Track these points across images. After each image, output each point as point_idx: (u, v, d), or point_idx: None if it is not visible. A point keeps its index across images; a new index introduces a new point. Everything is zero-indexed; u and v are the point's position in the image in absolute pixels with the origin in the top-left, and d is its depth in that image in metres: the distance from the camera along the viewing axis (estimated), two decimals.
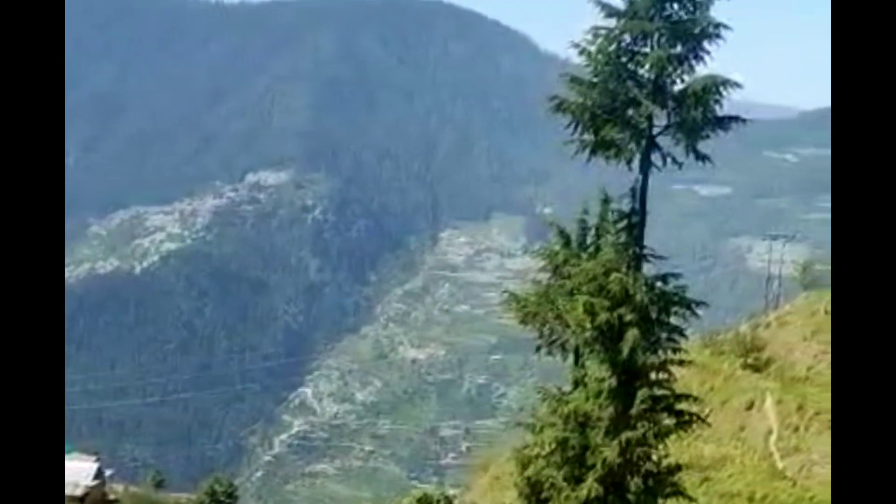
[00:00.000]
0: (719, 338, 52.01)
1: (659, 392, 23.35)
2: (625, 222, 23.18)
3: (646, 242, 23.39)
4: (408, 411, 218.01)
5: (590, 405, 22.87)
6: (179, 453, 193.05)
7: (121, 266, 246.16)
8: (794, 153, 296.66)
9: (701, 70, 22.37)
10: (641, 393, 22.73)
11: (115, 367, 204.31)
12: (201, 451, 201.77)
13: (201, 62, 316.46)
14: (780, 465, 38.36)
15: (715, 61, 22.38)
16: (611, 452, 22.22)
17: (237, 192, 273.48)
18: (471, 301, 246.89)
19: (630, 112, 22.67)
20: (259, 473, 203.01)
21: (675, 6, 22.41)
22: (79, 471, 56.45)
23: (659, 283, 23.01)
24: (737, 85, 22.33)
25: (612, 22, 22.45)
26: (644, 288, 22.38)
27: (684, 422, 23.96)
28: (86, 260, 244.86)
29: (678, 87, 22.53)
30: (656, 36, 22.28)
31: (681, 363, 23.86)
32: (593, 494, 22.38)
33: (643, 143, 22.66)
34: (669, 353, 23.20)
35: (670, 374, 23.48)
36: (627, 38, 22.52)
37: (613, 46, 22.50)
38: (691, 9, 22.34)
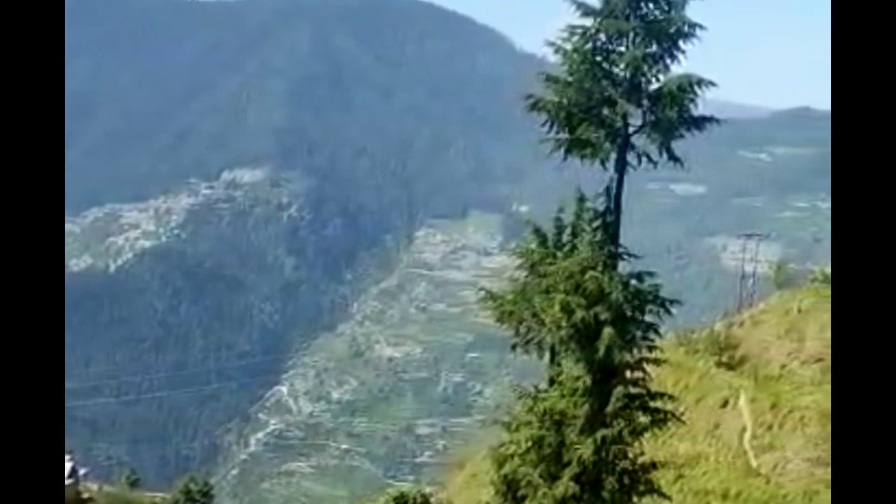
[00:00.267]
0: (694, 336, 52.19)
1: (634, 390, 23.47)
2: (600, 221, 23.27)
3: (621, 241, 23.51)
4: (384, 410, 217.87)
5: (565, 403, 22.95)
6: (154, 452, 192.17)
7: (95, 264, 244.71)
8: (769, 152, 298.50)
9: (676, 69, 22.50)
10: (617, 391, 22.83)
11: (90, 366, 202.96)
12: (176, 449, 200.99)
13: (176, 59, 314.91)
14: (753, 462, 38.59)
15: (688, 60, 22.52)
16: (586, 450, 22.30)
17: (213, 190, 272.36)
18: (447, 299, 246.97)
19: (605, 111, 22.75)
20: (235, 472, 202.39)
21: (651, 5, 22.50)
22: None
23: (634, 282, 23.11)
24: (711, 84, 22.46)
25: (587, 21, 22.52)
26: (619, 286, 22.47)
27: (659, 420, 24.08)
28: None
29: (653, 86, 22.63)
30: (632, 35, 22.37)
31: (656, 361, 23.98)
32: (569, 492, 22.46)
33: (618, 142, 22.75)
34: (644, 351, 23.32)
35: (645, 372, 23.60)
36: (603, 36, 22.59)
37: (589, 45, 22.57)
38: (666, 8, 22.44)
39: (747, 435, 40.14)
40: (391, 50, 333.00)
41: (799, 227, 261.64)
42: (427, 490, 36.88)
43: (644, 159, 22.93)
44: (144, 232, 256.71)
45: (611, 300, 22.28)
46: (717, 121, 23.15)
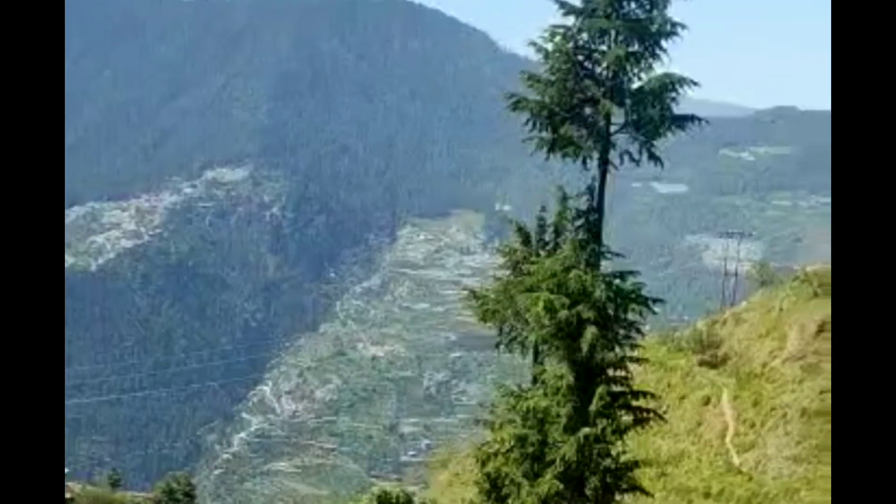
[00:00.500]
0: (676, 335, 52.44)
1: (617, 389, 23.51)
2: (583, 220, 23.31)
3: (604, 240, 23.53)
4: (367, 409, 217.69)
5: (548, 402, 22.98)
6: (136, 452, 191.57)
7: (76, 263, 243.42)
8: (750, 152, 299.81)
9: (658, 68, 22.55)
10: (600, 390, 22.86)
11: (71, 365, 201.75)
12: (159, 449, 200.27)
13: (158, 58, 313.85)
14: (735, 460, 38.77)
15: (669, 60, 22.56)
16: (569, 449, 22.33)
17: (195, 189, 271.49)
18: (430, 298, 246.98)
19: (588, 110, 22.78)
20: (217, 472, 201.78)
21: (633, 4, 22.53)
22: None
23: (617, 281, 23.16)
24: (693, 83, 22.51)
25: (570, 20, 22.55)
26: (602, 285, 22.51)
27: (642, 418, 24.14)
28: None
29: (635, 85, 22.66)
30: (614, 34, 22.40)
31: (638, 360, 24.05)
32: (552, 490, 22.49)
33: (601, 141, 22.78)
34: (627, 349, 23.36)
35: (628, 370, 23.66)
36: (585, 36, 22.61)
37: (571, 45, 22.59)
38: (648, 7, 22.47)
39: (729, 433, 40.34)
40: (374, 49, 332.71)
41: (780, 225, 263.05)
42: (410, 489, 36.87)
43: (626, 158, 22.98)
44: (126, 231, 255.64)
45: (594, 299, 22.32)
46: (699, 119, 23.21)
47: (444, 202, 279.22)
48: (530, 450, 23.14)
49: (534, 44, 22.73)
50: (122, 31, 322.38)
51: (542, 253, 26.45)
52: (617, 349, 23.12)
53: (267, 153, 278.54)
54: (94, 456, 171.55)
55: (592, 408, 22.71)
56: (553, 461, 22.60)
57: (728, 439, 40.11)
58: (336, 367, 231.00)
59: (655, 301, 23.59)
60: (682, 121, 22.89)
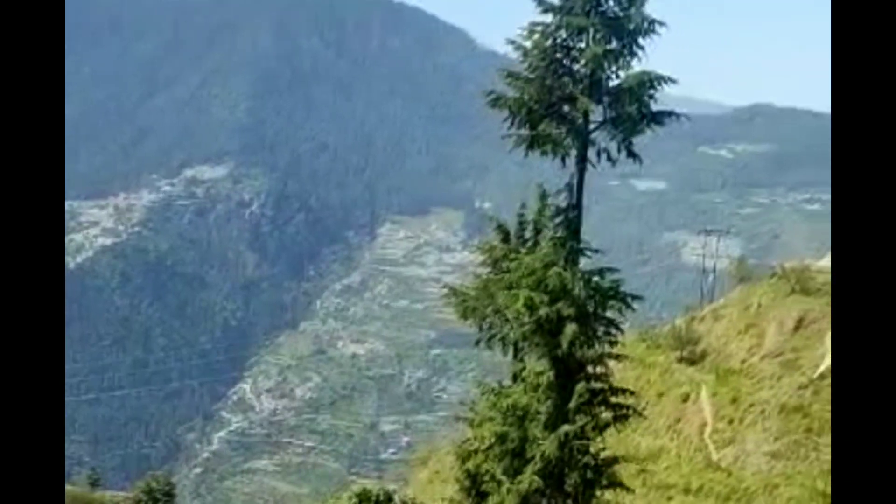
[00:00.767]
0: (655, 331, 52.62)
1: (596, 386, 23.60)
2: (562, 217, 23.38)
3: (583, 237, 23.61)
4: (347, 407, 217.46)
5: (529, 399, 23.04)
6: (116, 451, 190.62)
7: None
8: (729, 149, 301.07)
9: (636, 66, 22.63)
10: (579, 387, 22.94)
11: None
12: (138, 448, 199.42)
13: (136, 55, 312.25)
14: (714, 456, 38.96)
15: (647, 57, 22.66)
16: (549, 446, 22.40)
17: (173, 187, 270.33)
18: (410, 296, 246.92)
19: (566, 107, 22.85)
20: (197, 470, 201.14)
21: (611, 2, 22.61)
22: None
23: (596, 278, 23.25)
24: (671, 80, 22.60)
25: (548, 18, 22.60)
26: (581, 282, 22.59)
27: (621, 415, 24.24)
28: None
29: (613, 82, 22.75)
30: (592, 32, 22.46)
31: (618, 357, 24.15)
32: (532, 487, 22.56)
33: (579, 138, 22.85)
34: (606, 346, 23.46)
35: (607, 367, 23.75)
36: (563, 33, 22.67)
37: (549, 42, 22.65)
38: (626, 5, 22.55)
39: (708, 429, 40.53)
40: (353, 46, 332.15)
41: (759, 222, 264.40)
42: (391, 487, 36.83)
43: (604, 156, 23.06)
44: (104, 229, 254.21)
45: (573, 296, 22.40)
46: (677, 115, 23.31)
47: (424, 200, 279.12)
48: (510, 447, 23.20)
49: (512, 41, 22.79)
50: (100, 28, 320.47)
51: (522, 250, 26.49)
52: (596, 346, 23.21)
53: (246, 151, 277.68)
54: (72, 455, 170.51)
55: (572, 404, 22.80)
56: (533, 458, 22.68)
57: (707, 435, 40.30)
58: (316, 365, 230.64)
59: (634, 298, 23.70)
60: (661, 118, 22.99)
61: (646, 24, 22.32)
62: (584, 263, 23.61)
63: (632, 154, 22.97)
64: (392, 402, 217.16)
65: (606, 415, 23.81)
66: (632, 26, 22.35)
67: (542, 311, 22.25)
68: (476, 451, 24.33)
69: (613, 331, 23.52)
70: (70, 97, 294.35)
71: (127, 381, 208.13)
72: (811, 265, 51.67)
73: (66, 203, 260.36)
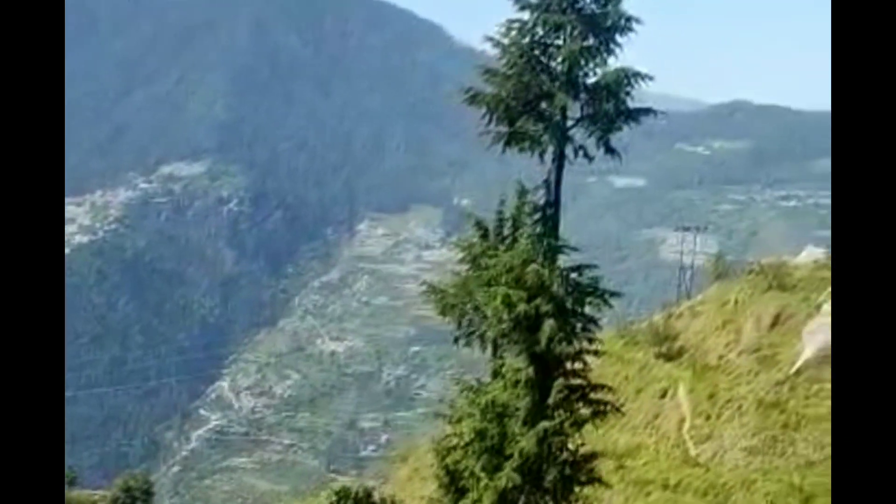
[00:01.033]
0: (633, 328, 52.71)
1: (575, 382, 23.67)
2: (540, 214, 23.43)
3: (562, 234, 23.66)
4: (326, 404, 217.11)
5: (507, 395, 23.09)
6: (93, 450, 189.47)
7: None
8: (706, 146, 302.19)
9: (613, 63, 22.71)
10: (558, 383, 23.00)
11: None
12: (116, 447, 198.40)
13: (112, 52, 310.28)
14: (692, 452, 39.11)
15: (624, 54, 22.73)
16: (528, 442, 22.45)
17: (150, 184, 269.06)
18: (389, 293, 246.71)
19: (544, 104, 22.89)
20: (175, 469, 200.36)
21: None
22: None
23: (574, 275, 23.30)
24: (648, 77, 22.69)
25: (525, 15, 22.64)
26: (560, 279, 22.65)
27: (600, 411, 24.31)
28: None
29: (591, 79, 22.81)
30: (569, 29, 22.52)
31: (596, 353, 24.22)
32: (511, 483, 22.61)
33: (557, 135, 22.89)
34: (585, 343, 23.52)
35: (586, 364, 23.82)
36: (540, 30, 22.72)
37: (527, 39, 22.70)
38: (603, 2, 22.62)
39: (686, 425, 40.68)
40: (331, 43, 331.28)
41: (736, 219, 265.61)
42: (370, 484, 36.81)
43: (582, 152, 23.12)
44: (81, 226, 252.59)
45: (551, 293, 22.45)
46: (654, 112, 23.40)
47: (403, 197, 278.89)
48: (489, 443, 23.23)
49: (490, 38, 22.82)
50: (76, 25, 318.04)
51: (501, 247, 26.52)
52: (575, 343, 23.28)
53: (224, 148, 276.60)
54: None
55: (551, 401, 22.86)
56: (512, 454, 22.72)
57: (685, 431, 40.45)
58: (295, 363, 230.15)
59: (612, 295, 23.78)
60: (638, 115, 23.07)
61: (622, 21, 22.40)
62: (562, 260, 23.67)
63: (610, 150, 23.04)
64: (371, 400, 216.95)
65: (585, 411, 23.89)
66: (608, 23, 22.42)
67: (521, 308, 22.30)
68: (455, 448, 24.35)
69: (592, 327, 23.59)
70: None
71: (104, 379, 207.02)
72: (788, 261, 51.97)
73: None
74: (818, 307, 42.07)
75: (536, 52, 22.81)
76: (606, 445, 37.19)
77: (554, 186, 23.21)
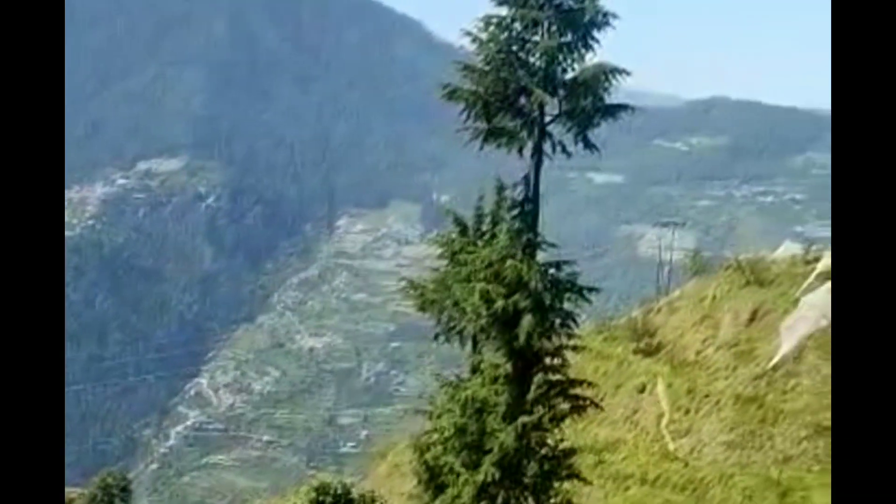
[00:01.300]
0: (612, 323, 52.88)
1: (554, 377, 23.70)
2: (518, 210, 23.43)
3: (541, 230, 23.67)
4: (306, 400, 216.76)
5: (487, 391, 23.10)
6: (71, 447, 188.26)
7: None
8: (684, 142, 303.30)
9: (590, 59, 22.71)
10: (537, 378, 23.04)
11: None
12: (94, 444, 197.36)
13: (89, 46, 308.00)
14: (671, 446, 39.27)
15: (602, 50, 22.75)
16: (508, 437, 22.48)
17: (128, 180, 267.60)
18: (368, 289, 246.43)
19: (522, 100, 22.88)
20: (154, 466, 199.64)
21: None
22: None
23: (553, 270, 23.32)
24: (625, 73, 22.70)
25: (503, 10, 22.63)
26: (538, 275, 22.66)
27: (579, 406, 24.37)
28: None
29: (568, 75, 22.81)
30: (546, 24, 22.51)
31: (575, 349, 24.25)
32: (490, 479, 22.62)
33: (535, 131, 22.90)
34: (564, 338, 23.54)
35: (565, 359, 23.85)
36: (518, 26, 22.70)
37: (505, 35, 22.67)
38: None
39: (664, 420, 40.84)
40: (309, 38, 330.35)
41: (714, 215, 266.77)
42: (349, 480, 36.75)
43: (560, 148, 23.13)
44: None
45: (530, 288, 22.46)
46: (632, 108, 23.43)
47: (382, 193, 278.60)
48: (469, 439, 23.24)
49: (468, 34, 22.79)
50: None
51: (480, 243, 26.53)
52: (554, 338, 23.30)
53: (201, 144, 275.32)
54: None
55: (530, 396, 22.89)
56: (491, 450, 22.74)
57: (663, 426, 40.60)
58: (274, 359, 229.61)
59: (591, 290, 23.81)
60: (615, 111, 23.10)
61: (600, 17, 22.41)
62: (541, 256, 23.68)
63: (589, 145, 23.05)
64: (350, 396, 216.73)
65: (564, 406, 23.93)
66: (586, 19, 22.42)
67: (499, 304, 22.31)
68: (435, 444, 24.35)
69: (570, 323, 23.61)
70: None
71: (82, 376, 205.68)
72: (765, 257, 52.22)
73: None
74: (795, 302, 42.32)
75: (514, 47, 22.80)
76: (586, 440, 37.33)
77: (532, 182, 23.22)
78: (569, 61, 22.63)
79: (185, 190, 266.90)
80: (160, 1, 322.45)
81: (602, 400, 31.78)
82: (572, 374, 24.52)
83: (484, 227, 27.55)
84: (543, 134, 22.94)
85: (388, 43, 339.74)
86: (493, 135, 23.12)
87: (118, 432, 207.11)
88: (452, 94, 23.08)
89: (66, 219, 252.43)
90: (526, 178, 23.20)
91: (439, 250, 28.42)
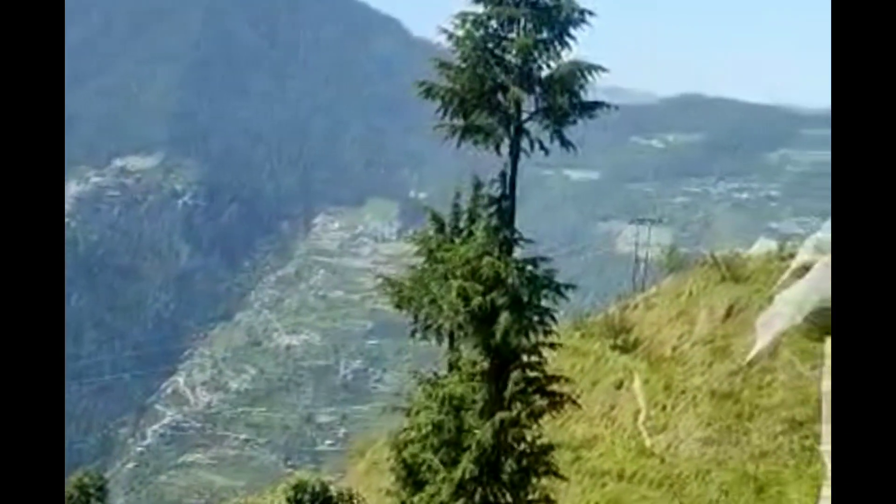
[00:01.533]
0: (589, 320, 53.02)
1: (531, 374, 23.75)
2: (495, 207, 23.45)
3: (518, 227, 23.70)
4: (283, 398, 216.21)
5: (464, 388, 23.13)
6: None
7: None
8: (660, 138, 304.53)
9: (567, 56, 22.75)
10: (514, 375, 23.07)
11: None
12: (70, 444, 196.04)
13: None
14: (648, 442, 39.39)
15: (578, 47, 22.79)
16: (485, 434, 22.52)
17: (103, 178, 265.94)
18: (345, 286, 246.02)
19: (498, 97, 22.91)
20: (131, 465, 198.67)
21: None
22: None
23: (530, 267, 23.36)
24: (601, 70, 22.76)
25: (479, 8, 22.64)
26: (515, 272, 22.69)
27: (556, 402, 24.43)
28: None
29: (545, 72, 22.84)
30: (522, 21, 22.54)
31: (552, 345, 24.30)
32: (468, 475, 22.65)
33: (511, 128, 22.93)
34: (541, 335, 23.59)
35: (542, 356, 23.90)
36: (494, 23, 22.72)
37: (481, 32, 22.68)
38: None
39: (641, 416, 40.97)
40: (285, 35, 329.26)
41: (690, 211, 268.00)
42: (327, 478, 36.69)
43: (537, 145, 23.17)
44: None
45: (507, 285, 22.50)
46: (608, 106, 23.48)
47: (359, 190, 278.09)
48: (447, 436, 23.27)
49: (445, 31, 22.79)
50: None
51: (457, 240, 26.55)
52: (531, 335, 23.33)
53: (177, 141, 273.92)
54: None
55: (507, 393, 22.93)
56: (469, 446, 22.76)
57: (640, 422, 40.73)
58: (251, 357, 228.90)
59: (568, 287, 23.85)
60: (592, 108, 23.15)
61: (576, 14, 22.44)
62: (518, 253, 23.72)
63: (565, 143, 23.10)
64: (328, 394, 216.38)
65: (541, 402, 23.99)
66: (562, 16, 22.45)
67: (477, 301, 22.33)
68: (412, 441, 24.36)
69: (548, 320, 23.65)
70: None
71: None
72: (741, 253, 52.51)
73: None
74: (770, 299, 42.55)
75: (490, 45, 22.82)
76: (563, 437, 37.41)
77: (509, 179, 23.25)
78: (545, 58, 22.67)
79: (160, 187, 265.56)
80: None
81: (579, 396, 31.84)
82: (550, 370, 24.58)
83: (461, 225, 27.58)
84: (520, 131, 22.97)
85: (365, 40, 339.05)
86: (469, 132, 23.13)
87: (94, 431, 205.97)
88: (429, 92, 23.08)
89: None
90: (503, 175, 23.23)
91: (416, 248, 28.43)
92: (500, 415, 22.63)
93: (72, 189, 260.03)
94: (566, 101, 22.58)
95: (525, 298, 22.98)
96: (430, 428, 23.47)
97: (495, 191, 23.48)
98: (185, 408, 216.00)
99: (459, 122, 23.20)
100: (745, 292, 45.20)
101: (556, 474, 24.58)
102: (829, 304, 25.93)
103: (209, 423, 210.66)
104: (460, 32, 22.65)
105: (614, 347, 47.98)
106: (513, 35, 22.76)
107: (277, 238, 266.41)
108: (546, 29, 22.55)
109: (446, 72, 22.99)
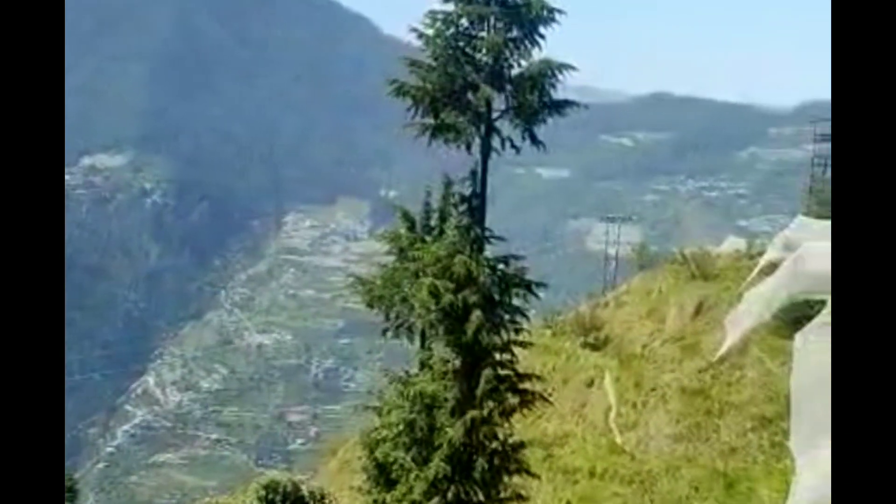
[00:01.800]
0: (560, 318, 53.15)
1: (503, 372, 23.77)
2: (466, 205, 23.47)
3: (489, 225, 23.73)
4: (254, 398, 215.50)
5: (436, 386, 23.12)
6: None
7: None
8: (629, 137, 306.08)
9: (537, 54, 22.82)
10: (486, 373, 23.08)
11: None
12: None
13: None
14: (618, 439, 39.53)
15: (548, 46, 22.86)
16: (457, 432, 22.52)
17: (71, 176, 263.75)
18: (316, 285, 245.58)
19: (469, 96, 22.92)
20: (100, 465, 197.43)
21: None
22: None
23: (501, 265, 23.40)
24: (572, 68, 22.83)
25: (449, 6, 22.66)
26: (487, 270, 22.73)
27: (528, 400, 24.46)
28: None
29: (515, 70, 22.89)
30: (492, 20, 22.58)
31: (523, 344, 24.34)
32: (440, 474, 22.65)
33: (482, 127, 22.96)
34: (512, 333, 23.63)
35: (513, 354, 23.95)
36: (465, 21, 22.74)
37: (451, 30, 22.70)
38: None
39: (612, 413, 41.10)
40: (255, 33, 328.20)
41: (659, 210, 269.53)
42: (299, 477, 36.59)
43: (507, 144, 23.22)
44: None
45: (478, 284, 22.51)
46: (578, 104, 23.56)
47: (330, 188, 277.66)
48: (419, 434, 23.25)
49: (415, 29, 22.79)
50: None
51: (428, 239, 26.56)
52: (503, 333, 23.37)
53: (147, 139, 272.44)
54: None
55: (479, 391, 22.93)
56: (441, 445, 22.77)
57: (611, 419, 40.86)
58: (222, 357, 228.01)
59: (539, 285, 23.90)
60: (562, 106, 23.22)
61: (546, 13, 22.50)
62: (489, 251, 23.75)
63: (536, 141, 23.16)
64: (299, 393, 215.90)
65: (513, 400, 24.01)
66: (532, 15, 22.50)
67: (448, 299, 22.33)
68: (384, 440, 24.33)
69: (519, 318, 23.69)
70: None
71: None
72: (710, 251, 52.83)
73: None
74: (739, 296, 42.82)
75: (461, 43, 22.83)
76: (535, 434, 37.50)
77: (480, 178, 23.28)
78: (515, 57, 22.72)
79: (130, 186, 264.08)
80: None
81: (551, 394, 31.93)
82: (521, 368, 24.62)
83: (432, 223, 27.60)
84: (491, 129, 23.01)
85: (335, 38, 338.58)
86: (440, 130, 23.14)
87: (64, 432, 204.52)
88: (400, 90, 23.08)
89: None
90: (473, 173, 23.25)
91: (387, 246, 28.41)
92: (471, 413, 22.64)
93: None
94: (536, 99, 22.64)
95: (496, 297, 23.02)
96: (401, 426, 23.46)
97: (466, 189, 23.50)
98: (155, 407, 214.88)
99: (430, 120, 23.22)
100: (714, 290, 45.49)
101: (528, 472, 24.62)
102: (797, 301, 26.10)
103: (180, 423, 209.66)
104: (430, 31, 22.66)
105: (585, 345, 48.12)
106: (483, 33, 22.78)
107: (248, 237, 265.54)
108: (516, 27, 22.59)
109: (417, 70, 23.00)
